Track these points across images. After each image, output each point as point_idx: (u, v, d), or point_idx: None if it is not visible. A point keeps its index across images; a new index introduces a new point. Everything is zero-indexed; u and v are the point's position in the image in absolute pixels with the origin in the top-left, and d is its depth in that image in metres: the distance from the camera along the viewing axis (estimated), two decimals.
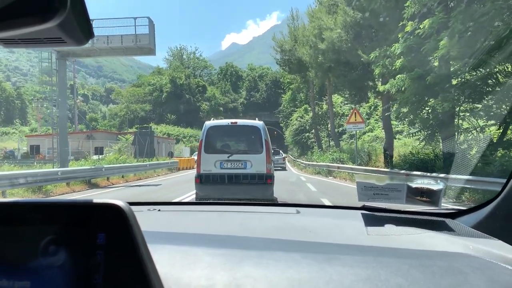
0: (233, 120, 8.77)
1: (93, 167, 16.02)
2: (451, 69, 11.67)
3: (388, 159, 19.25)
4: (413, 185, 1.51)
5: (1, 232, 0.69)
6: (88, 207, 0.67)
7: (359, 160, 19.24)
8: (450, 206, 1.89)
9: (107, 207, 0.66)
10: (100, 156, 26.57)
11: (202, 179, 8.11)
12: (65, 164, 17.29)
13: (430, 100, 11.60)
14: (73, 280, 0.64)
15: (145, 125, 66.12)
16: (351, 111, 18.87)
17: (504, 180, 1.34)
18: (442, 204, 1.51)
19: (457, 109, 12.29)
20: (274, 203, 2.61)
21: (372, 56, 14.11)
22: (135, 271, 0.63)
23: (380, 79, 21.17)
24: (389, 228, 1.45)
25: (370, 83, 22.39)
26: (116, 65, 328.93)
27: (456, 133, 12.74)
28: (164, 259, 0.86)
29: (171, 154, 34.78)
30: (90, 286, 0.63)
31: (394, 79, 12.71)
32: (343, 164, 20.14)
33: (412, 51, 12.36)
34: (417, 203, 1.51)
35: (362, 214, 1.67)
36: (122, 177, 19.45)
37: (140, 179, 20.95)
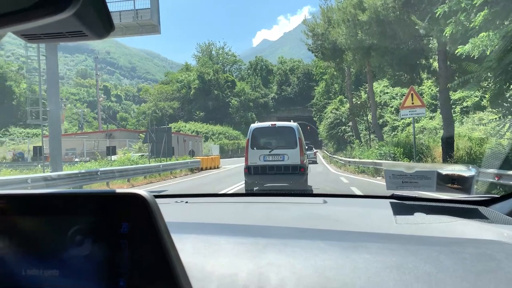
0: (273, 122, 10.81)
1: (83, 171, 13.09)
2: None
3: (449, 152, 15.49)
4: (444, 172, 1.47)
5: (29, 222, 0.71)
6: (112, 197, 0.69)
7: (418, 155, 15.35)
8: (483, 194, 1.73)
9: (131, 197, 0.67)
10: (113, 156, 23.81)
11: (249, 170, 10.14)
12: (58, 168, 14.48)
13: None
14: (99, 268, 0.66)
15: (174, 123, 64.93)
16: (408, 91, 14.85)
17: None
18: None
19: None
20: (301, 193, 2.39)
21: (439, 12, 10.29)
22: (159, 260, 0.64)
23: (436, 55, 17.30)
24: (419, 216, 1.43)
25: (423, 61, 18.45)
26: (150, 65, 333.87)
27: None
28: (188, 248, 0.86)
29: (192, 153, 31.82)
30: (115, 275, 0.65)
31: (476, 37, 8.94)
32: (395, 160, 16.30)
33: None
34: (448, 191, 1.47)
35: (391, 203, 1.64)
36: (128, 181, 16.50)
37: (151, 182, 17.95)
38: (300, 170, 9.85)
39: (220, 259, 0.84)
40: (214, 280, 0.77)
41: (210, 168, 27.74)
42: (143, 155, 25.76)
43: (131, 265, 0.65)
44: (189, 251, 0.85)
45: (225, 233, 1.05)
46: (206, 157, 30.40)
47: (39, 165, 21.73)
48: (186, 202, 1.98)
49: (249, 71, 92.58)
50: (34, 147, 23.97)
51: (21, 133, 57.34)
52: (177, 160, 26.00)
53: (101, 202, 0.69)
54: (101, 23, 0.54)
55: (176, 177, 21.26)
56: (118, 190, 0.68)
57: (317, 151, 38.78)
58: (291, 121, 10.98)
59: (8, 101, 62.91)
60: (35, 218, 0.71)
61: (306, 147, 12.24)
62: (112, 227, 0.66)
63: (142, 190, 0.67)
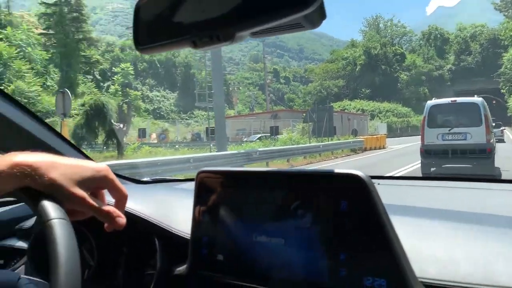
0: (453, 99, 10.67)
1: (242, 151, 13.57)
2: None
3: None
4: None
5: (258, 196, 0.81)
6: (330, 176, 0.74)
7: None
8: None
9: (348, 176, 0.71)
10: (277, 136, 24.49)
11: (426, 150, 9.70)
12: (223, 148, 15.42)
13: None
14: (320, 240, 0.72)
15: (338, 101, 64.30)
16: None
17: None
18: None
19: None
20: (505, 179, 2.28)
21: None
22: (378, 238, 0.67)
23: None
24: None
25: None
26: (317, 45, 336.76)
27: None
28: (400, 230, 0.81)
29: (355, 132, 30.63)
30: (336, 248, 0.71)
31: None
32: None
33: None
34: None
35: None
36: (287, 161, 16.59)
37: (310, 163, 17.74)
38: (486, 151, 9.17)
39: (436, 243, 0.81)
40: (432, 263, 0.75)
41: (375, 148, 26.19)
42: (262, 137, 25.89)
43: (350, 241, 0.68)
44: (401, 232, 0.79)
45: (435, 217, 0.99)
46: (370, 136, 28.91)
47: (211, 145, 23.89)
48: (379, 183, 1.76)
49: (421, 42, 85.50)
50: (206, 128, 26.41)
51: (203, 115, 64.47)
52: (339, 139, 25.30)
53: (320, 180, 0.74)
54: (317, 12, 0.52)
55: (337, 157, 20.67)
56: (336, 170, 0.72)
57: (504, 129, 34.54)
58: (475, 96, 10.30)
59: (192, 86, 71.26)
60: (261, 192, 0.80)
61: (494, 124, 11.39)
62: (331, 204, 0.71)
63: (358, 171, 0.69)
